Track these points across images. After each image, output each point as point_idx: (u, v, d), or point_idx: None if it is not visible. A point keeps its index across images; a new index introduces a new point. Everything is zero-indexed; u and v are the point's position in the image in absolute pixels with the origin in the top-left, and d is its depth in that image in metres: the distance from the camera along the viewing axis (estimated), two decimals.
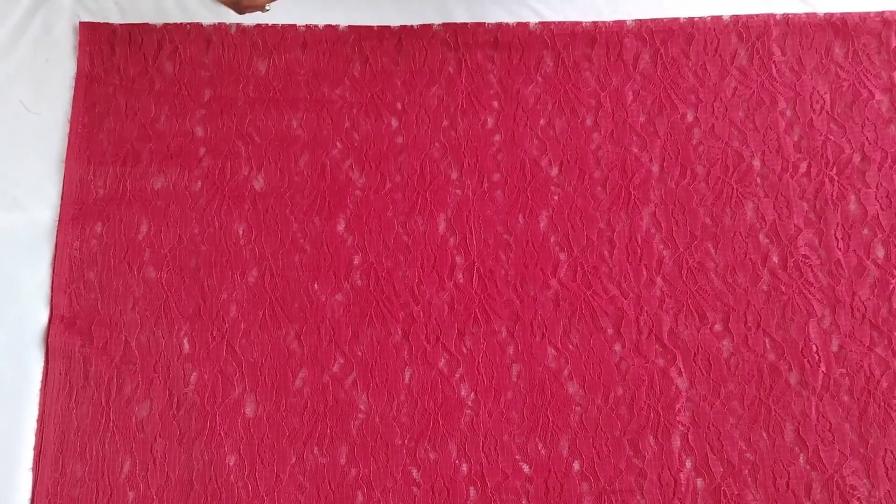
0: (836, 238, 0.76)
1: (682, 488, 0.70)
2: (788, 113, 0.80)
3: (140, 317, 0.74)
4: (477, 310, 0.75)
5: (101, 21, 0.83)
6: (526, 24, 0.83)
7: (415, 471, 0.71)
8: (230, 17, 0.83)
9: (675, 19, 0.83)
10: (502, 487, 0.70)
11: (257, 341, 0.74)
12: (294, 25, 0.83)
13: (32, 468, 0.70)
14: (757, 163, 0.79)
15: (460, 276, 0.76)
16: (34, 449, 0.71)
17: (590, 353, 0.73)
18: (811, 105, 0.80)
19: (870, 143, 0.79)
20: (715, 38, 0.82)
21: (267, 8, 0.70)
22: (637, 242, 0.76)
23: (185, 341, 0.74)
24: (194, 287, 0.75)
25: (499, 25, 0.82)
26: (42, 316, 0.74)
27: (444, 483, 0.70)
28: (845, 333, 0.74)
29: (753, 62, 0.82)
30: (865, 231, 0.77)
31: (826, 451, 0.70)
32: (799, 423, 0.71)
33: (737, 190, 0.78)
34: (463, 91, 0.81)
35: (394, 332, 0.74)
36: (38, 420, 0.71)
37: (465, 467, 0.71)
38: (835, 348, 0.73)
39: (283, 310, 0.75)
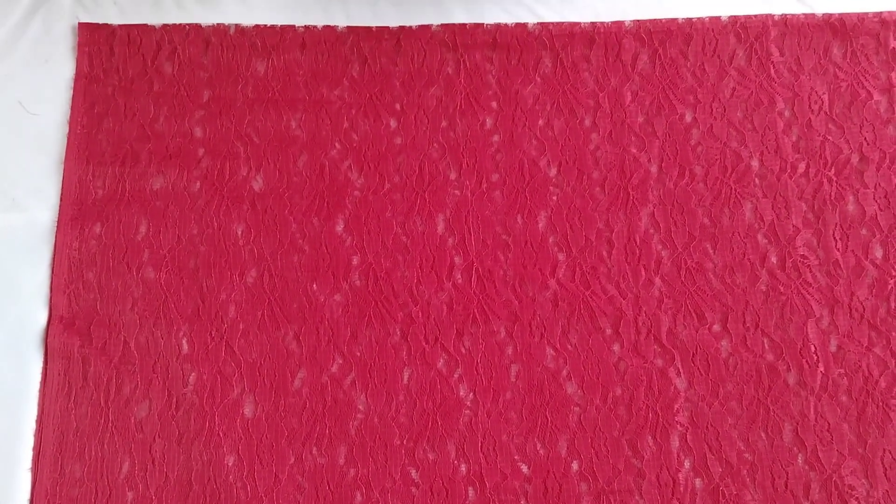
0: (834, 238, 0.76)
1: (681, 488, 0.70)
2: (787, 113, 0.80)
3: (139, 317, 0.74)
4: (476, 310, 0.75)
5: (101, 22, 0.83)
6: (524, 25, 0.83)
7: (413, 471, 0.71)
8: (229, 17, 0.83)
9: (674, 20, 0.83)
10: (501, 487, 0.70)
11: (256, 342, 0.74)
12: (293, 26, 0.83)
13: (31, 468, 0.70)
14: (755, 163, 0.79)
15: (459, 276, 0.76)
16: (33, 449, 0.71)
17: (588, 353, 0.73)
18: (809, 105, 0.80)
19: (868, 144, 0.79)
20: (713, 38, 0.83)
21: None
22: (635, 243, 0.76)
23: (183, 342, 0.74)
24: (193, 287, 0.75)
25: (497, 26, 0.83)
26: (41, 316, 0.74)
27: (442, 483, 0.70)
28: (844, 334, 0.74)
29: (752, 63, 0.82)
30: (864, 231, 0.77)
31: (824, 451, 0.70)
32: (797, 424, 0.71)
33: (735, 190, 0.78)
34: (462, 92, 0.81)
35: (392, 333, 0.74)
36: (37, 420, 0.71)
37: (463, 467, 0.71)
38: (833, 348, 0.74)
39: (281, 310, 0.75)
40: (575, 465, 0.71)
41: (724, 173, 0.78)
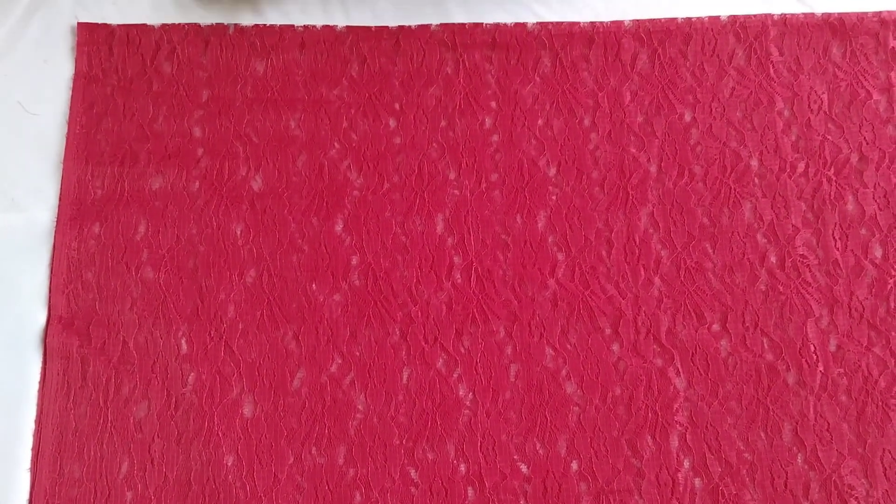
0: (833, 238, 0.76)
1: (680, 488, 0.70)
2: (786, 113, 0.80)
3: (138, 317, 0.74)
4: (475, 310, 0.75)
5: (100, 22, 0.83)
6: (524, 25, 0.83)
7: (413, 471, 0.71)
8: (228, 17, 0.83)
9: (673, 19, 0.83)
10: (500, 487, 0.70)
11: (255, 341, 0.74)
12: (292, 26, 0.83)
13: (30, 468, 0.70)
14: (755, 163, 0.79)
15: (458, 276, 0.76)
16: (32, 449, 0.71)
17: (588, 353, 0.73)
18: (809, 105, 0.80)
19: (867, 143, 0.79)
20: (713, 38, 0.83)
21: None
22: (635, 242, 0.76)
23: (183, 342, 0.74)
24: (192, 287, 0.75)
25: (497, 26, 0.83)
26: (40, 316, 0.74)
27: (442, 483, 0.70)
28: (843, 333, 0.74)
29: (751, 62, 0.82)
30: (863, 231, 0.77)
31: (824, 451, 0.70)
32: (797, 423, 0.71)
33: (734, 190, 0.78)
34: (461, 91, 0.81)
35: (392, 333, 0.74)
36: (35, 420, 0.71)
37: (463, 467, 0.71)
38: (833, 348, 0.74)
39: (281, 310, 0.75)
40: (574, 465, 0.71)
41: (724, 173, 0.78)
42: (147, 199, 0.78)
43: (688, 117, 0.80)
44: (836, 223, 0.77)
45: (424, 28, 0.83)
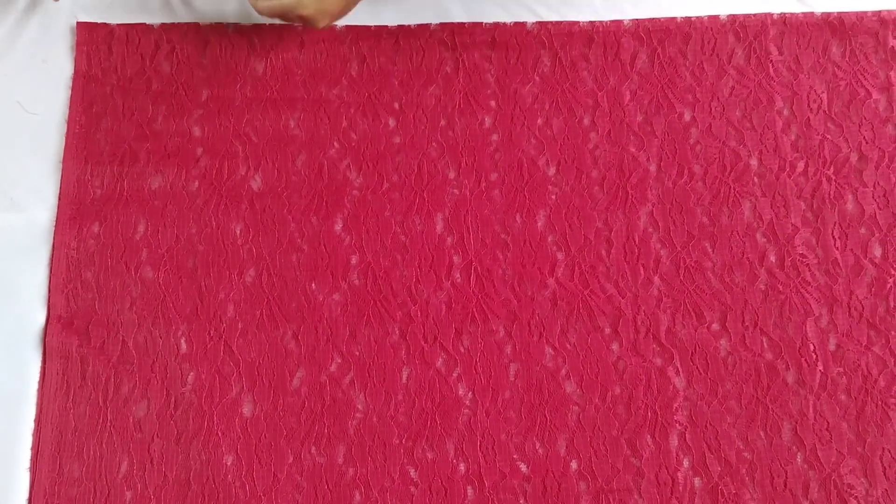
0: (833, 237, 0.76)
1: (680, 487, 0.70)
2: (786, 112, 0.80)
3: (137, 317, 0.74)
4: (474, 309, 0.75)
5: (99, 21, 0.83)
6: (523, 24, 0.83)
7: (412, 470, 0.71)
8: (227, 17, 0.83)
9: (673, 19, 0.83)
10: (500, 487, 0.70)
11: (255, 341, 0.74)
12: (291, 25, 0.83)
13: (30, 468, 0.70)
14: (754, 162, 0.79)
15: (458, 275, 0.76)
16: (31, 449, 0.71)
17: (587, 352, 0.73)
18: (808, 104, 0.80)
19: (867, 143, 0.79)
20: (712, 37, 0.83)
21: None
22: (634, 242, 0.76)
23: (182, 341, 0.74)
24: (192, 287, 0.75)
25: (496, 25, 0.83)
26: (39, 316, 0.74)
27: (441, 482, 0.70)
28: (843, 332, 0.74)
29: (751, 62, 0.82)
30: (863, 230, 0.77)
31: (823, 451, 0.70)
32: (796, 423, 0.71)
33: (734, 189, 0.78)
34: (460, 91, 0.81)
35: (391, 332, 0.74)
36: (35, 420, 0.71)
37: (462, 467, 0.71)
38: (832, 347, 0.74)
39: (280, 309, 0.75)
40: (574, 464, 0.71)
41: (723, 172, 0.78)
42: (146, 199, 0.78)
43: (687, 117, 0.80)
44: (835, 222, 0.77)
45: (424, 27, 0.83)
